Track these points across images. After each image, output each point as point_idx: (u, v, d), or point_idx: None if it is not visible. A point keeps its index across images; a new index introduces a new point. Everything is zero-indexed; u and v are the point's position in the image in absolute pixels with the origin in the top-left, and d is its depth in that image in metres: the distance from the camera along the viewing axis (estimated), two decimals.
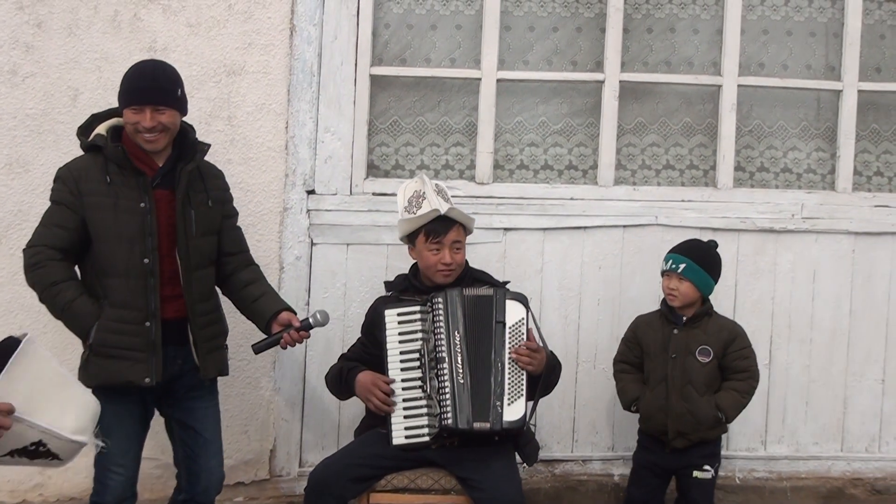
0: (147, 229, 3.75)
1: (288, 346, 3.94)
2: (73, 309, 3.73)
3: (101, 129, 3.86)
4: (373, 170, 4.91)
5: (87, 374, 3.75)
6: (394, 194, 4.61)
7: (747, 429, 5.05)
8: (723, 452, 4.94)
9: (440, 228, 4.04)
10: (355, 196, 4.80)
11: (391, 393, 3.98)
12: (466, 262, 4.20)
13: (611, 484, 4.95)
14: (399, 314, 4.04)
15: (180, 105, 3.84)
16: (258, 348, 3.94)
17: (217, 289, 4.06)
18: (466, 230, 4.14)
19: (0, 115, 4.54)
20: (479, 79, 4.88)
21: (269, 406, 4.76)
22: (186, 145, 3.88)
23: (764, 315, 5.04)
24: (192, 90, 4.58)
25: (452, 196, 4.21)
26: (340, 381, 4.14)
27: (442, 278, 4.07)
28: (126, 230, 3.73)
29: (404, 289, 4.17)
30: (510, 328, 3.98)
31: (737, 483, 5.03)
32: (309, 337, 4.00)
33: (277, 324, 3.93)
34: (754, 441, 5.10)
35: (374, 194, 4.82)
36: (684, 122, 5.08)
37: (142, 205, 3.74)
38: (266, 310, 3.97)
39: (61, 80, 4.57)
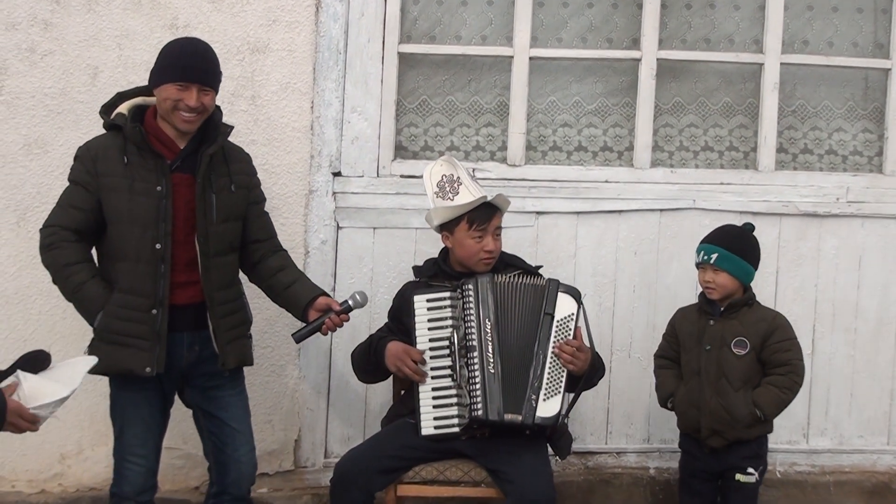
0: (161, 214, 3.64)
1: (329, 332, 3.87)
2: (83, 292, 3.65)
3: (122, 108, 3.76)
4: (401, 151, 4.79)
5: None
6: (423, 176, 4.52)
7: (789, 421, 4.90)
8: None
9: (485, 215, 3.95)
10: (382, 178, 4.69)
11: (423, 363, 3.90)
12: None
13: (646, 477, 4.83)
14: (429, 300, 3.95)
15: (218, 88, 3.78)
16: (299, 337, 3.84)
17: (241, 277, 3.96)
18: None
19: (18, 94, 4.46)
20: (511, 57, 4.76)
21: (294, 395, 4.67)
22: (210, 127, 3.77)
23: (806, 303, 4.90)
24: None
25: (483, 178, 4.12)
26: (369, 352, 4.05)
27: (483, 266, 3.98)
28: (140, 214, 3.63)
29: (434, 274, 4.08)
30: (558, 322, 3.88)
31: (777, 477, 4.90)
32: (349, 320, 3.90)
33: (315, 310, 3.84)
34: (796, 434, 4.96)
35: (402, 176, 4.71)
36: (724, 102, 4.95)
37: (158, 188, 3.64)
38: (301, 297, 3.87)
39: (80, 59, 4.48)
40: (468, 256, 3.98)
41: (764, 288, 4.80)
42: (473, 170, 4.09)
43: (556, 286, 3.91)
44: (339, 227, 4.66)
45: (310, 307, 3.84)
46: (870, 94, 5.01)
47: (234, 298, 3.86)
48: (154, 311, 3.64)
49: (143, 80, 4.37)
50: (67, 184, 3.74)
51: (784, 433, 4.92)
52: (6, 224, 4.49)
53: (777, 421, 4.78)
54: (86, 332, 4.46)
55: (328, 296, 3.90)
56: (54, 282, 3.70)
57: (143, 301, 3.64)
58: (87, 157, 3.69)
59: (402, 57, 4.74)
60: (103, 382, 4.48)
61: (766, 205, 4.83)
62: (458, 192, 3.97)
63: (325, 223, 4.62)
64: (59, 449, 4.56)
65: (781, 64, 4.87)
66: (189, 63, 3.66)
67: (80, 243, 3.67)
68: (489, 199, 3.94)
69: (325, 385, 4.72)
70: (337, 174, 4.65)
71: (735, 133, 4.95)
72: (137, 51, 4.47)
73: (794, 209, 4.84)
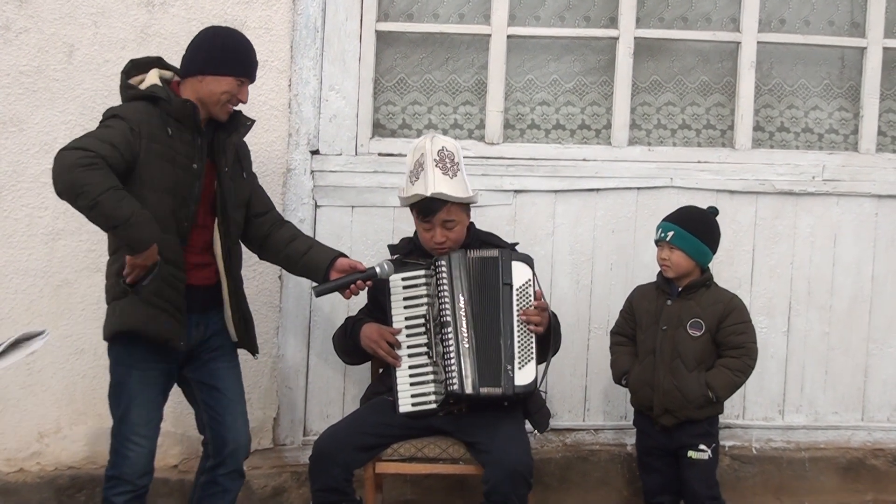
0: (194, 194, 3.64)
1: (351, 296, 3.88)
2: (145, 217, 3.36)
3: (152, 78, 3.69)
4: (379, 129, 4.78)
5: (125, 318, 3.57)
6: (401, 154, 4.57)
7: (764, 398, 4.94)
8: (739, 422, 4.92)
9: (428, 209, 3.95)
10: (360, 156, 4.68)
11: (397, 344, 3.92)
12: (472, 224, 4.11)
13: (623, 454, 4.85)
14: (403, 279, 3.97)
15: None
16: (319, 291, 3.84)
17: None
18: (468, 203, 4.02)
19: None
20: (489, 35, 4.74)
21: (272, 373, 4.66)
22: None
23: (782, 281, 4.92)
24: None
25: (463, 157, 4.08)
26: (346, 335, 4.07)
27: (438, 254, 3.99)
28: (179, 189, 3.60)
29: (409, 252, 4.08)
30: (518, 290, 3.90)
31: (753, 454, 4.92)
32: (372, 286, 3.91)
33: (336, 271, 3.85)
34: (771, 410, 4.98)
35: (379, 154, 4.70)
36: (701, 81, 4.95)
37: (194, 166, 3.64)
38: (321, 260, 3.89)
39: (56, 36, 4.44)
40: (423, 243, 4.02)
41: (740, 266, 4.84)
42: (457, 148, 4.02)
43: (509, 256, 3.94)
44: (317, 206, 4.64)
45: (331, 269, 3.86)
46: (846, 72, 5.01)
47: (242, 283, 3.91)
48: (181, 286, 3.63)
49: (119, 57, 4.38)
50: (103, 126, 3.52)
51: (759, 410, 4.95)
52: None
53: (752, 397, 4.87)
54: (64, 312, 4.47)
55: (346, 256, 3.92)
56: (92, 203, 3.29)
57: (177, 272, 3.61)
58: (131, 118, 3.52)
59: (380, 35, 4.71)
60: (81, 361, 4.51)
61: (743, 183, 4.84)
62: (417, 178, 3.96)
63: (303, 202, 4.61)
64: (37, 427, 4.54)
65: (758, 42, 4.86)
66: (247, 59, 3.76)
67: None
68: (426, 195, 3.88)
69: (304, 363, 4.71)
70: (315, 152, 4.63)
71: (712, 111, 4.95)
72: (114, 28, 4.43)
73: (770, 187, 4.85)
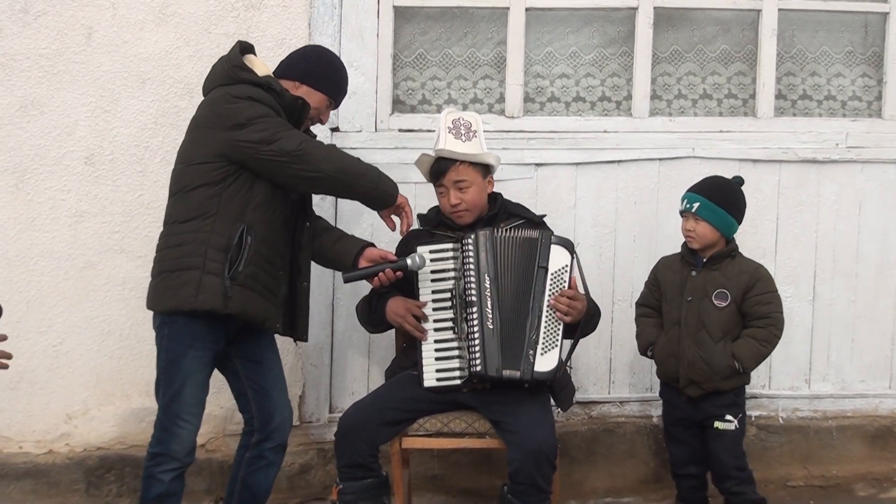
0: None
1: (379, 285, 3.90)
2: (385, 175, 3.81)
3: (264, 68, 3.79)
4: (398, 105, 4.77)
5: (227, 301, 3.59)
6: (421, 130, 4.59)
7: (790, 367, 4.92)
8: (765, 392, 4.89)
9: (438, 169, 3.97)
10: (381, 133, 4.68)
11: (424, 318, 3.91)
12: (500, 195, 4.10)
13: (649, 426, 4.84)
14: (432, 251, 3.94)
15: None
16: (348, 278, 3.87)
17: None
18: (483, 166, 4.00)
19: (13, 55, 4.45)
20: (507, 8, 4.73)
21: (297, 351, 4.68)
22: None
23: (807, 249, 4.89)
24: (210, 25, 4.50)
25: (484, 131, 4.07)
26: (370, 309, 4.06)
27: (457, 219, 3.98)
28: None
29: (437, 223, 4.07)
30: (552, 274, 3.85)
31: (780, 423, 4.90)
32: (402, 277, 3.89)
33: (365, 259, 3.88)
34: (798, 380, 4.95)
35: (400, 130, 4.69)
36: (722, 50, 4.91)
37: None
38: (349, 249, 3.93)
39: (74, 18, 4.46)
40: (443, 210, 4.03)
41: (764, 235, 4.81)
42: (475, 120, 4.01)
43: (548, 239, 3.88)
44: None
45: (359, 257, 3.89)
46: (869, 38, 4.96)
47: (307, 278, 3.98)
48: (280, 273, 3.75)
49: (138, 38, 4.43)
50: (261, 115, 3.63)
51: (786, 379, 4.92)
52: (5, 186, 4.48)
53: (778, 367, 4.83)
54: (91, 293, 4.50)
55: (375, 246, 3.95)
56: (345, 170, 3.70)
57: (279, 259, 3.74)
58: (266, 100, 3.66)
59: (398, 10, 4.70)
60: (108, 342, 4.55)
61: (766, 152, 4.81)
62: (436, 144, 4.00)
63: None
64: (65, 409, 4.58)
65: (779, 10, 4.82)
66: (344, 86, 3.97)
67: None
68: (431, 154, 3.96)
69: (329, 340, 4.73)
70: (335, 129, 4.63)
71: (733, 80, 4.91)
72: (132, 9, 4.44)
73: (793, 156, 4.82)
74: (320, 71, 3.85)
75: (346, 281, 3.89)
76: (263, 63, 3.80)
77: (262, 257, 3.65)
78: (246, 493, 3.95)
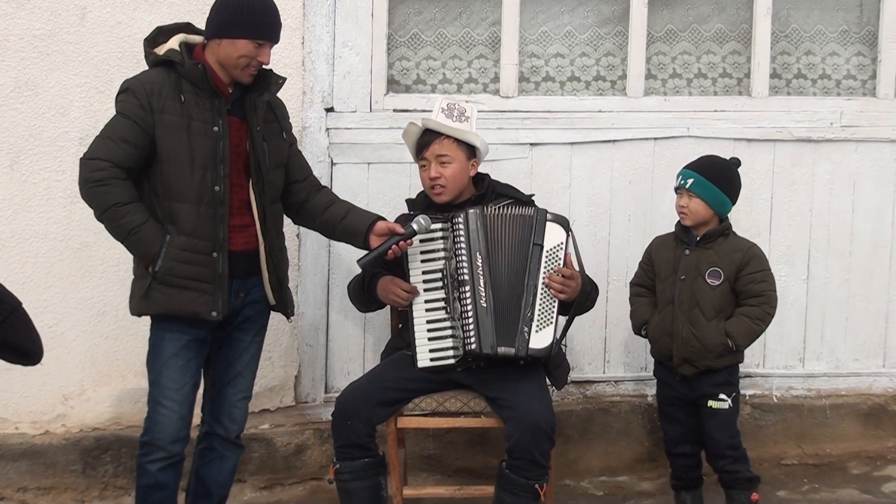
0: (219, 155, 3.59)
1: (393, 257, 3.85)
2: (141, 234, 3.51)
3: (172, 44, 3.64)
4: (393, 85, 4.76)
5: (149, 303, 3.59)
6: (415, 110, 4.57)
7: (784, 346, 4.94)
8: (759, 371, 4.91)
9: (422, 142, 3.97)
10: (375, 113, 4.67)
11: (413, 291, 3.91)
12: (487, 176, 4.10)
13: (644, 405, 4.86)
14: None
15: None
16: (364, 263, 3.82)
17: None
18: (469, 147, 3.98)
19: (7, 36, 4.42)
20: None
21: (292, 331, 4.68)
22: (258, 74, 3.71)
23: (801, 228, 4.90)
24: (204, 6, 4.40)
25: (478, 112, 4.06)
26: (362, 288, 4.07)
27: (435, 197, 3.98)
28: (199, 154, 3.56)
29: (426, 206, 4.05)
30: (547, 252, 3.86)
31: (774, 402, 4.93)
32: (412, 245, 3.87)
33: (375, 235, 3.82)
34: (792, 358, 4.97)
35: (394, 111, 4.68)
36: (717, 29, 4.91)
37: (215, 129, 3.59)
38: (359, 225, 3.85)
39: None
40: (423, 186, 4.02)
41: (758, 214, 4.82)
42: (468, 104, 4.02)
43: (543, 216, 3.89)
44: (333, 164, 4.64)
45: (370, 233, 3.83)
46: (863, 17, 4.96)
47: (283, 246, 3.86)
48: (215, 255, 3.59)
49: (132, 18, 4.39)
50: (116, 116, 3.57)
51: (780, 358, 4.95)
52: None
53: (772, 346, 4.85)
54: (85, 274, 4.50)
55: (385, 219, 3.89)
56: (100, 219, 3.55)
57: (206, 244, 3.58)
58: (140, 92, 3.53)
59: None
60: (103, 323, 4.54)
61: (761, 131, 4.81)
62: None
63: (319, 159, 4.59)
64: (62, 390, 4.58)
65: None
66: (267, 21, 3.63)
67: (128, 181, 3.53)
68: (418, 125, 3.97)
69: (324, 321, 4.73)
70: (330, 110, 4.62)
71: (728, 59, 4.91)
72: None
73: (788, 135, 4.82)
74: (231, 18, 3.58)
75: (363, 267, 3.85)
76: (186, 36, 3.68)
77: (178, 248, 3.55)
78: (199, 486, 3.94)
